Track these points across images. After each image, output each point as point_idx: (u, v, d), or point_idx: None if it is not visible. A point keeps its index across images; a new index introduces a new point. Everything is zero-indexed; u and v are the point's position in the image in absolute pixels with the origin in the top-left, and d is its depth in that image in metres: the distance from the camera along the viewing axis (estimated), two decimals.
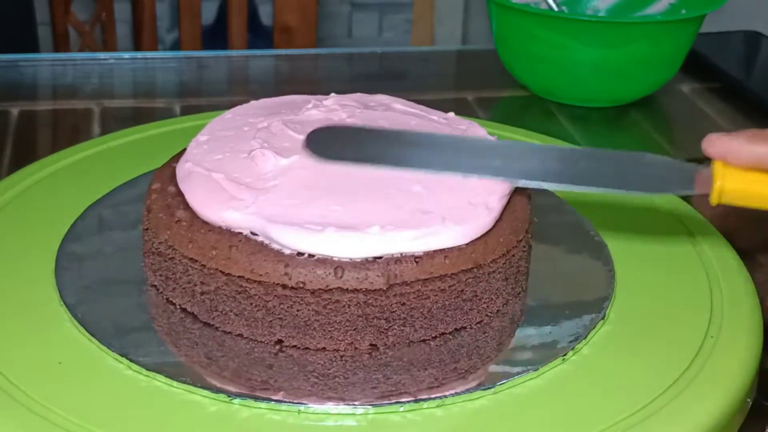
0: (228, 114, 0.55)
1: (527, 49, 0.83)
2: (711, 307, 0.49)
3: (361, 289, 0.44)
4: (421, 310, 0.46)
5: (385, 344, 0.46)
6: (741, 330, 0.47)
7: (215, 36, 1.57)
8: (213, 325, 0.46)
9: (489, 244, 0.47)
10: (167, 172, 0.51)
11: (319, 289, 0.44)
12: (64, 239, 0.52)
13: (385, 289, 0.44)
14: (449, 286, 0.46)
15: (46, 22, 1.50)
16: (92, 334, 0.45)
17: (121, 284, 0.49)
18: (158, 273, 0.48)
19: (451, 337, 0.47)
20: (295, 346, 0.45)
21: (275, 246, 0.45)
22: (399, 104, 0.57)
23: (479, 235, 0.46)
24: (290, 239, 0.44)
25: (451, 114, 0.56)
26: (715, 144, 0.42)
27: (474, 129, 0.55)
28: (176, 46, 1.80)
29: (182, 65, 0.92)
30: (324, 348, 0.45)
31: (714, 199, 0.42)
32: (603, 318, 0.48)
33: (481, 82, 0.91)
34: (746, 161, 0.41)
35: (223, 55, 0.97)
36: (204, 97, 0.87)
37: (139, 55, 0.96)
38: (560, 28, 0.80)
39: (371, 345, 0.46)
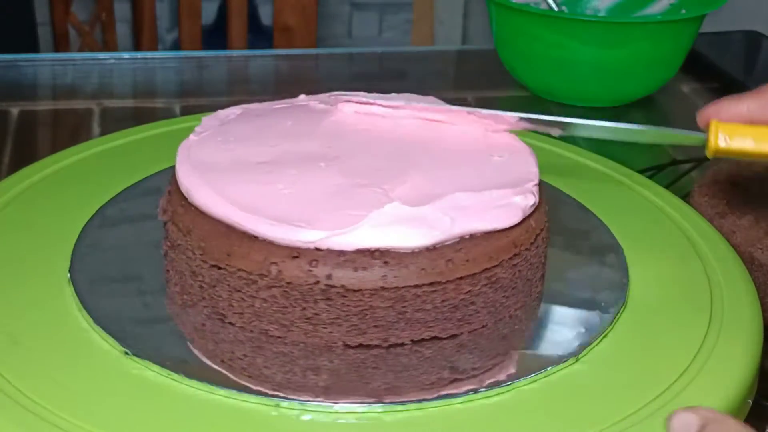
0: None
1: (527, 49, 0.83)
2: (711, 307, 0.49)
3: (492, 265, 0.45)
4: (527, 273, 0.47)
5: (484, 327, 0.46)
6: (741, 330, 0.47)
7: (215, 36, 1.58)
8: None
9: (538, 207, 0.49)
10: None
11: (484, 269, 0.45)
12: (65, 239, 0.52)
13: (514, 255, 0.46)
14: (537, 247, 0.47)
15: (46, 22, 1.51)
16: (105, 332, 0.44)
17: (128, 283, 0.49)
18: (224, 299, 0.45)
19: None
20: (437, 338, 0.45)
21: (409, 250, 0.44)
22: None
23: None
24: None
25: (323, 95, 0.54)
26: (705, 110, 0.46)
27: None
28: (176, 46, 1.80)
29: (182, 65, 0.92)
30: (455, 334, 0.45)
31: (711, 148, 0.45)
32: (616, 316, 0.48)
33: (481, 82, 0.92)
34: (731, 118, 0.45)
35: (223, 55, 0.97)
36: (204, 97, 0.87)
37: (139, 55, 0.96)
38: (560, 28, 0.80)
39: (484, 324, 0.46)
